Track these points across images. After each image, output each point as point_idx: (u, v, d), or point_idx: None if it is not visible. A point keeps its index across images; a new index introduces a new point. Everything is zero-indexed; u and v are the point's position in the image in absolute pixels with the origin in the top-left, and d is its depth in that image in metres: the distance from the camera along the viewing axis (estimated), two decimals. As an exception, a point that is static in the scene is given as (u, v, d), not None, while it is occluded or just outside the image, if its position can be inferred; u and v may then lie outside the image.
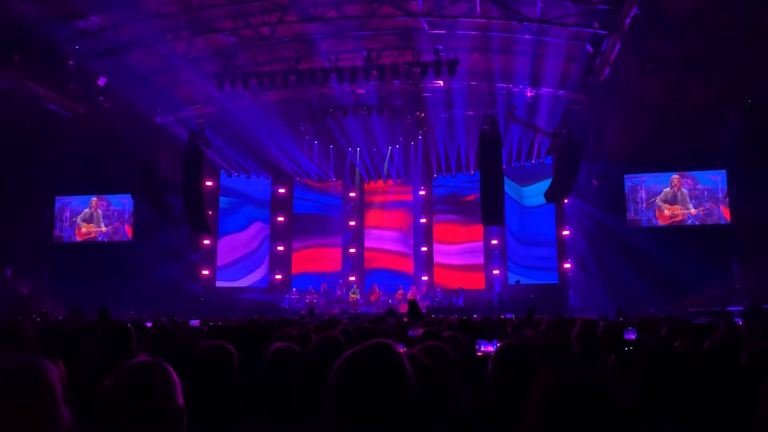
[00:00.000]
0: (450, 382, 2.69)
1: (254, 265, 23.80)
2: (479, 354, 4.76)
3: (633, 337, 4.00)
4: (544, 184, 19.15)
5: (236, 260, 23.61)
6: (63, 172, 20.67)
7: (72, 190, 22.55)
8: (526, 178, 21.33)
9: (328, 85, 18.28)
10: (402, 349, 2.07)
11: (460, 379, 2.86)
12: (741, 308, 14.37)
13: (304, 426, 2.67)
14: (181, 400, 2.05)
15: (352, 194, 24.60)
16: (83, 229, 22.65)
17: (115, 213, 22.72)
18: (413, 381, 1.71)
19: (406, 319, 9.47)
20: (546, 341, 5.09)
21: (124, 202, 22.56)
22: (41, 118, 18.67)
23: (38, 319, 12.09)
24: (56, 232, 22.69)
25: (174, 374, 2.07)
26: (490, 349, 4.50)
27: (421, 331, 4.16)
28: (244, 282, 23.49)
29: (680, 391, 2.79)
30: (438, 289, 22.21)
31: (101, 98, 18.47)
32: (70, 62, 16.78)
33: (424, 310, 17.33)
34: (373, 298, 21.78)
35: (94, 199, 22.76)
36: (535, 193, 20.68)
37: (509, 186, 21.14)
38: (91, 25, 15.92)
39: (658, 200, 19.20)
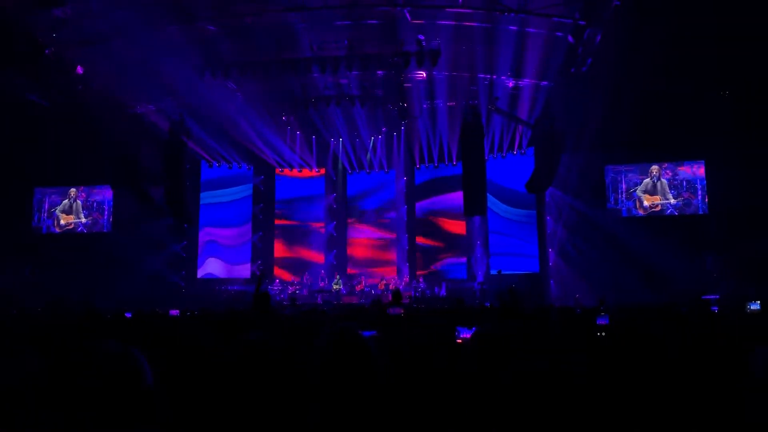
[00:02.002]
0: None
1: (236, 255, 23.71)
2: (458, 341, 4.82)
3: (605, 322, 4.07)
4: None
5: (218, 251, 23.52)
6: (42, 163, 20.43)
7: (51, 180, 22.30)
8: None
9: (310, 75, 18.18)
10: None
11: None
12: (717, 297, 14.60)
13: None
14: (151, 385, 2.03)
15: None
16: (62, 221, 22.42)
17: (95, 204, 22.52)
18: (380, 364, 1.75)
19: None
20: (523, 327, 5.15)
21: (104, 192, 22.36)
22: (19, 108, 18.42)
23: (14, 312, 11.97)
24: (35, 223, 22.44)
25: (141, 357, 2.06)
26: (469, 335, 4.55)
27: (401, 310, 4.20)
28: (225, 273, 23.43)
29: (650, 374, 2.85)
30: (421, 279, 22.29)
31: (80, 87, 18.23)
32: (48, 51, 16.53)
33: (406, 300, 17.43)
34: (358, 289, 21.79)
35: (73, 189, 22.53)
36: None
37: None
38: (70, 13, 15.68)
39: (638, 191, 19.40)
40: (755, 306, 9.48)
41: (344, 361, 1.75)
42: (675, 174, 19.17)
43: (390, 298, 12.17)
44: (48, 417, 2.03)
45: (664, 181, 19.21)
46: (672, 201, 19.10)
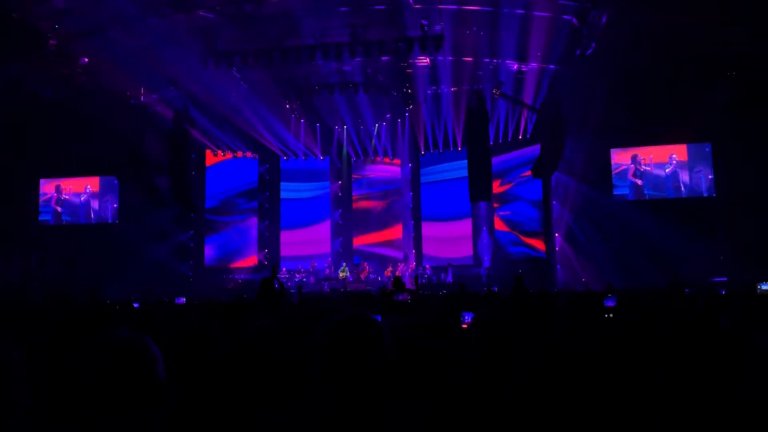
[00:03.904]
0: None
1: (243, 245, 23.73)
2: (463, 326, 4.81)
3: (613, 304, 4.04)
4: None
5: (225, 240, 23.55)
6: (47, 154, 20.44)
7: (57, 171, 22.31)
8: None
9: (313, 63, 18.08)
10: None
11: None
12: (725, 279, 14.55)
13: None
14: (162, 374, 2.01)
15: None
16: (68, 211, 22.45)
17: (100, 195, 22.52)
18: (390, 350, 1.73)
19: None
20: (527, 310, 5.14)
21: (109, 183, 22.37)
22: (24, 100, 18.43)
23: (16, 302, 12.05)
24: (40, 215, 22.47)
25: (155, 348, 2.03)
26: (474, 320, 4.54)
27: (408, 296, 4.19)
28: (233, 262, 23.46)
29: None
30: (427, 266, 22.28)
31: (84, 78, 18.21)
32: (52, 42, 16.50)
33: (413, 287, 17.45)
34: (362, 276, 21.81)
35: (78, 180, 22.54)
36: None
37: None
38: (72, 4, 15.63)
39: (644, 174, 19.29)
40: (767, 287, 9.35)
41: (353, 346, 1.73)
42: (681, 157, 19.04)
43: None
44: (57, 404, 2.02)
45: (671, 168, 19.11)
46: (681, 188, 19.00)
